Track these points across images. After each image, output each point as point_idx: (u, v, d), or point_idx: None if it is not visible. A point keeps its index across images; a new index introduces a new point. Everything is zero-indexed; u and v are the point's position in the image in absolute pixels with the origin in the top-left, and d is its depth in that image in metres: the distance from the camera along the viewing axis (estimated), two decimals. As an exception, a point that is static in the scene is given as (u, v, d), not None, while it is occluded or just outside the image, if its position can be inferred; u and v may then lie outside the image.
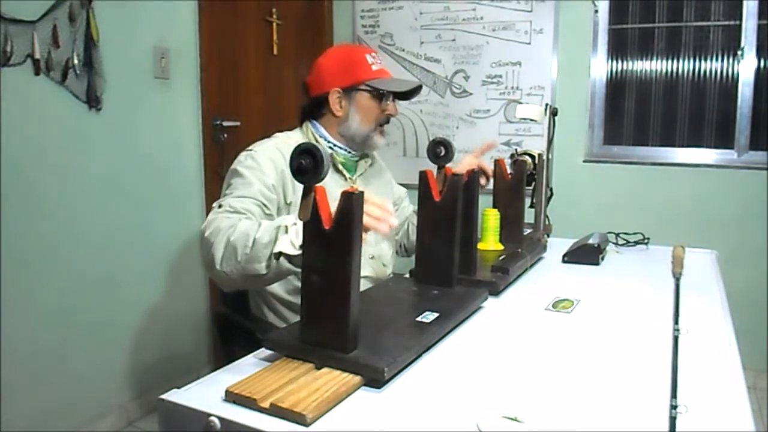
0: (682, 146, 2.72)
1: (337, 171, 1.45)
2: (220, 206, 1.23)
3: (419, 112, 3.02)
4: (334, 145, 1.46)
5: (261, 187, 1.28)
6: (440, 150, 1.17)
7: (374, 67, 1.44)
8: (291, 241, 1.03)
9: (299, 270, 1.06)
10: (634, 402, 0.74)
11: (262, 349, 0.86)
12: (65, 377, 1.91)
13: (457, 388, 0.78)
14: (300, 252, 1.02)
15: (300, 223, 1.08)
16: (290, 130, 1.51)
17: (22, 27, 1.70)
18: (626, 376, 0.82)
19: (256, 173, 1.30)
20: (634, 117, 2.80)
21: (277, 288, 1.40)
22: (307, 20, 3.01)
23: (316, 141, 1.45)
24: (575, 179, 2.76)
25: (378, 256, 1.50)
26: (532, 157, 1.61)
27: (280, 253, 1.04)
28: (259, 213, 1.24)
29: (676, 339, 0.89)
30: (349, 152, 1.47)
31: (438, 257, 1.11)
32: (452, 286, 1.09)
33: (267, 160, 1.33)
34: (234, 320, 1.50)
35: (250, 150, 1.38)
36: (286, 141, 1.41)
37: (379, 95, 1.43)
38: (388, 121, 1.47)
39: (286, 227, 1.05)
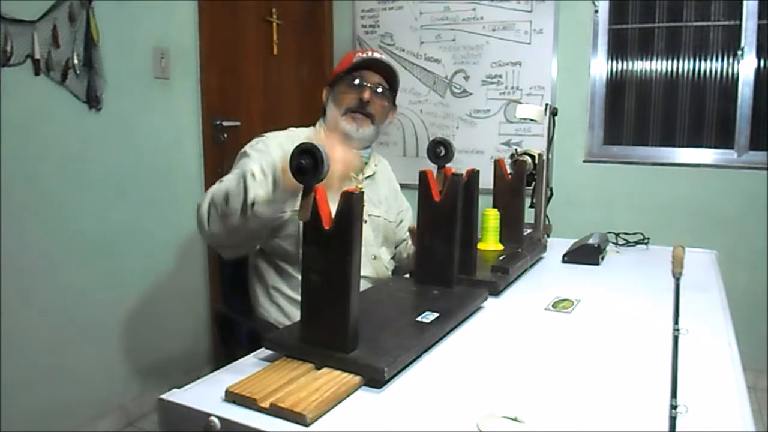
0: (682, 146, 2.72)
1: None
2: (220, 181, 1.23)
3: (419, 112, 3.02)
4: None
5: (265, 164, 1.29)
6: (440, 150, 1.17)
7: (353, 60, 1.45)
8: (261, 183, 1.03)
9: (280, 215, 1.03)
10: (634, 402, 0.73)
11: (262, 349, 0.86)
12: (65, 377, 1.91)
13: (457, 388, 0.78)
14: (271, 193, 1.02)
15: (264, 163, 1.05)
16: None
17: (22, 27, 1.69)
18: (626, 376, 0.82)
19: (264, 156, 1.30)
20: (634, 117, 2.80)
21: (280, 284, 1.41)
22: (307, 20, 3.01)
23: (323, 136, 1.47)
24: (575, 179, 2.75)
25: (379, 258, 1.51)
26: (532, 157, 1.61)
27: (254, 203, 1.03)
28: None
29: (676, 339, 0.89)
30: (348, 144, 1.46)
31: (438, 257, 1.10)
32: (452, 286, 1.09)
33: (276, 146, 1.35)
34: (234, 320, 1.50)
35: (262, 136, 1.41)
36: (299, 135, 1.45)
37: (347, 82, 1.44)
38: (361, 108, 1.43)
39: (253, 173, 1.04)
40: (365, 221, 1.48)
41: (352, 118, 1.43)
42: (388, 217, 1.56)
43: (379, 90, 1.46)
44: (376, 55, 1.48)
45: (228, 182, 1.13)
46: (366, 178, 1.52)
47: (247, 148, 1.39)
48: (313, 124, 1.54)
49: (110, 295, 2.05)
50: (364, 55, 1.46)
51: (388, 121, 1.56)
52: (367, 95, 1.43)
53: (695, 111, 2.69)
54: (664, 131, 2.75)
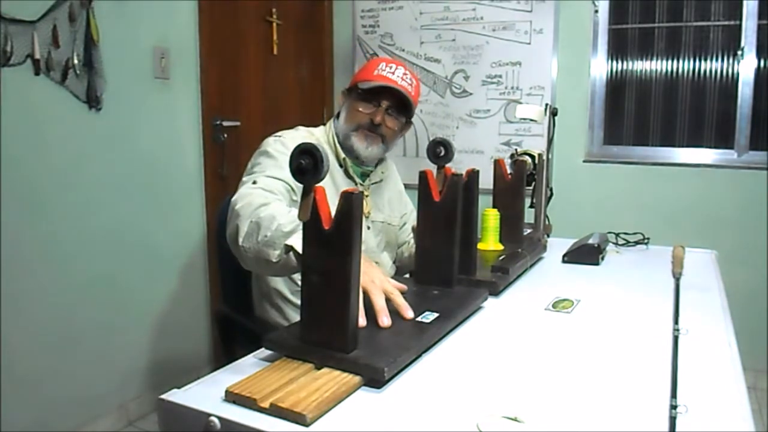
0: (682, 146, 2.72)
1: (349, 176, 1.45)
2: (254, 182, 1.21)
3: (419, 112, 3.02)
4: (343, 148, 1.45)
5: (290, 173, 1.28)
6: (440, 150, 1.17)
7: (375, 73, 1.43)
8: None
9: None
10: (634, 402, 0.73)
11: (262, 349, 0.86)
12: (65, 377, 1.91)
13: (457, 388, 0.78)
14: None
15: None
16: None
17: (22, 27, 1.69)
18: (626, 376, 0.82)
19: (287, 158, 1.30)
20: (634, 117, 2.80)
21: (282, 287, 1.40)
22: (307, 20, 3.01)
23: (332, 139, 1.46)
24: (575, 179, 2.76)
25: (381, 264, 1.50)
26: (532, 157, 1.61)
27: (292, 248, 1.00)
28: (288, 199, 1.24)
29: (676, 339, 0.89)
30: (355, 158, 1.46)
31: (438, 257, 1.10)
32: (452, 287, 1.09)
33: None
34: (234, 320, 1.50)
35: (279, 136, 1.39)
36: (312, 134, 1.44)
37: (366, 98, 1.42)
38: (372, 127, 1.42)
39: None
40: (368, 228, 1.48)
41: (364, 136, 1.42)
42: (391, 221, 1.57)
43: (394, 112, 1.45)
44: (398, 74, 1.42)
45: (278, 210, 1.06)
46: (372, 184, 1.52)
47: (267, 147, 1.34)
48: (324, 123, 1.53)
49: (110, 295, 2.05)
50: (386, 74, 1.42)
51: (399, 138, 1.54)
52: (379, 118, 1.42)
53: (695, 111, 2.69)
54: (664, 131, 2.75)
